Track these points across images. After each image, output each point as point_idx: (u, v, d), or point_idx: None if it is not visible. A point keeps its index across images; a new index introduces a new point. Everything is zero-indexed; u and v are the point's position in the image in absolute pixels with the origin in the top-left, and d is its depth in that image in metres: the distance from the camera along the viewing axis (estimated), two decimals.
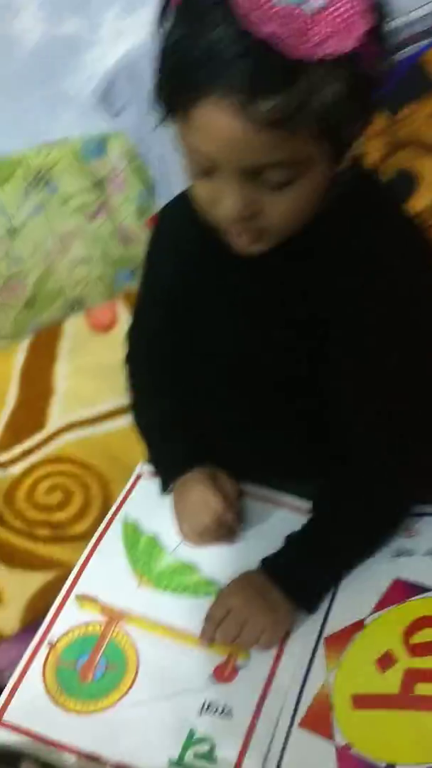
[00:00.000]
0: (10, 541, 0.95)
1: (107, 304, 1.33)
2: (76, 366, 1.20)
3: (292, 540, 0.82)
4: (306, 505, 0.88)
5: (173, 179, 1.29)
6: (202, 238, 0.76)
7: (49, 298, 1.35)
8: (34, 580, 0.90)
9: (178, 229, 0.85)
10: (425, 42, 1.23)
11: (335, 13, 0.58)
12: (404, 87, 1.21)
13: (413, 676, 0.67)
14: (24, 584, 0.89)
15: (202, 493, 0.85)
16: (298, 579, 0.79)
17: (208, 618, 0.78)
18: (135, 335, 0.99)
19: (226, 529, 0.86)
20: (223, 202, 0.69)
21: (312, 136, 0.63)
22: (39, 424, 1.15)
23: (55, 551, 0.94)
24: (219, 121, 0.62)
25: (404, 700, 0.66)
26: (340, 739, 0.65)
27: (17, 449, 1.11)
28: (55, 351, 1.26)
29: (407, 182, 1.15)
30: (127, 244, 1.36)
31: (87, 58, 1.26)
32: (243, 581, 0.80)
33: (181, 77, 0.62)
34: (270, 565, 0.80)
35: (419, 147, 1.16)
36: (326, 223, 0.71)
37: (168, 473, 0.90)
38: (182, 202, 0.79)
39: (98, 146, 1.29)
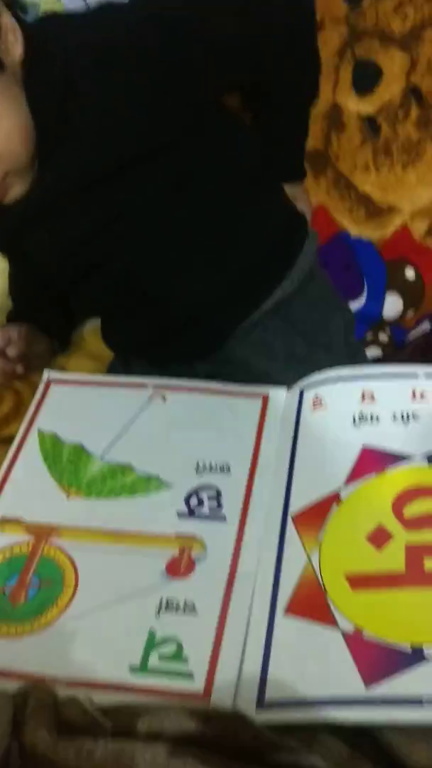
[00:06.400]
0: None
1: None
2: None
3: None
4: (217, 385, 0.80)
5: None
6: None
7: None
8: None
9: None
10: None
11: None
12: None
13: (418, 552, 0.58)
14: None
15: None
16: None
17: None
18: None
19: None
20: None
21: None
22: None
23: None
24: None
25: (416, 577, 0.56)
26: (346, 625, 0.54)
27: None
28: None
29: (368, 75, 1.02)
30: None
31: None
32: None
33: None
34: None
35: (381, 38, 1.02)
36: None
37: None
38: None
39: None
